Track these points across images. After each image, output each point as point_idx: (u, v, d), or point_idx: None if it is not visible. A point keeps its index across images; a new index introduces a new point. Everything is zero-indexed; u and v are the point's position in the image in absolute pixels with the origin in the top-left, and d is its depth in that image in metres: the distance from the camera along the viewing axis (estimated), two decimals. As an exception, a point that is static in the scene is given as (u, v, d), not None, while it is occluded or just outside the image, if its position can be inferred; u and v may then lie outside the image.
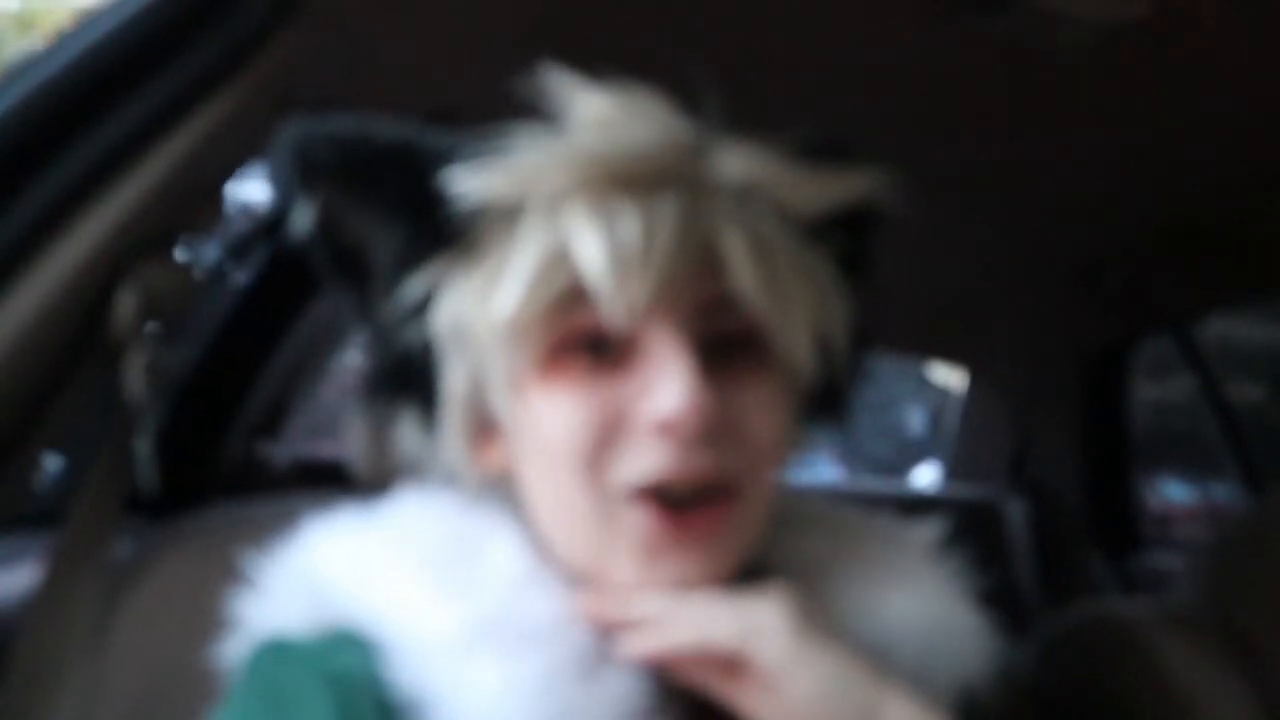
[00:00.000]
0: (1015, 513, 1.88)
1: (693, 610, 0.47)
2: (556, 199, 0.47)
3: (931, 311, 1.70)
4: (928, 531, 0.58)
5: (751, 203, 0.50)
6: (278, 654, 0.49)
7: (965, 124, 1.03)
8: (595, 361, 0.48)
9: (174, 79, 0.69)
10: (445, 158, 0.50)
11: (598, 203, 0.47)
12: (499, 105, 0.50)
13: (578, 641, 0.46)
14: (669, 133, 0.49)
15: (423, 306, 0.51)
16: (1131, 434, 1.84)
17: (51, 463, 0.97)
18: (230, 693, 0.49)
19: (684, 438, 0.46)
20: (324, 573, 0.50)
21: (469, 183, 0.49)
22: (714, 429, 0.46)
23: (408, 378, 0.53)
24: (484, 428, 0.52)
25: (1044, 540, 1.84)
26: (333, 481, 0.69)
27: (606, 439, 0.47)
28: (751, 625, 0.46)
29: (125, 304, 0.69)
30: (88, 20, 0.69)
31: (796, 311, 0.50)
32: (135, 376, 0.71)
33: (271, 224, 1.23)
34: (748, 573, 0.51)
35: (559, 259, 0.46)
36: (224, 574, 0.53)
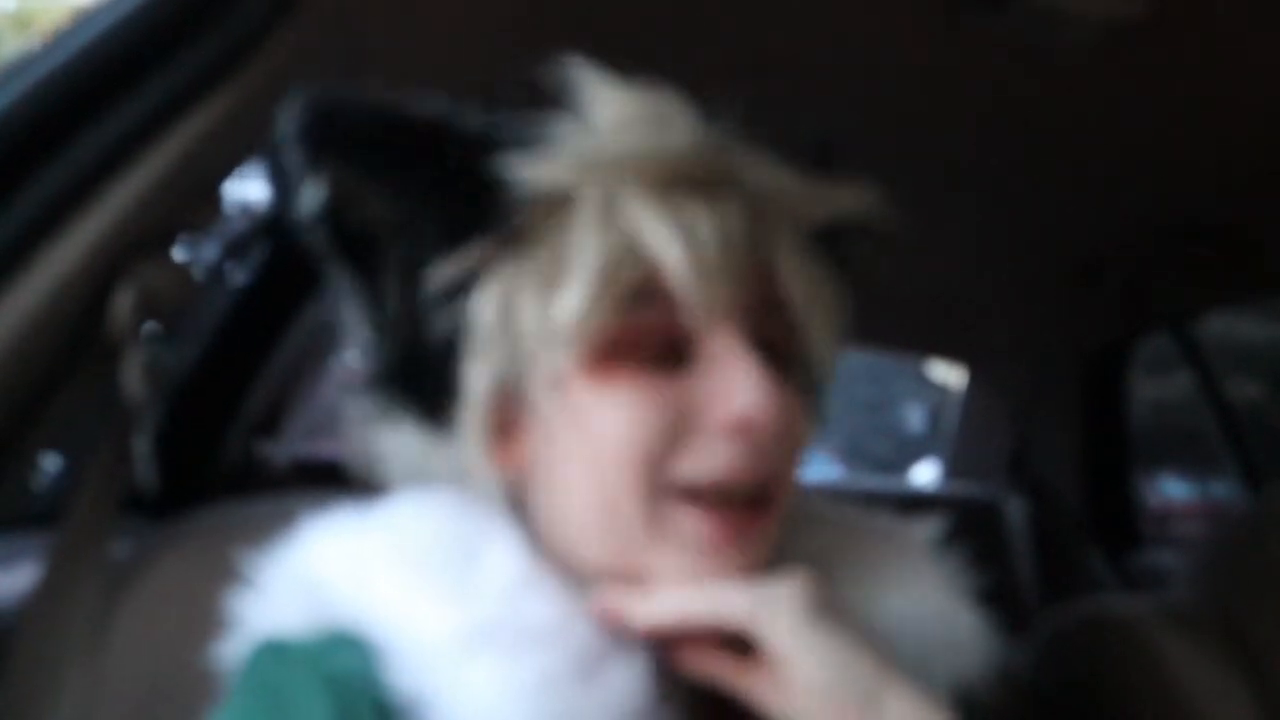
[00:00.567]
0: (1014, 511, 1.89)
1: (709, 588, 0.47)
2: (613, 194, 0.47)
3: (931, 309, 1.70)
4: (928, 530, 0.58)
5: (771, 209, 0.51)
6: (276, 654, 0.48)
7: (965, 123, 1.03)
8: (657, 360, 0.48)
9: (172, 77, 0.68)
10: (487, 141, 0.49)
11: (666, 201, 0.46)
12: (499, 104, 0.50)
13: (577, 643, 0.46)
14: (708, 135, 0.49)
15: (447, 297, 0.49)
16: (1131, 432, 1.84)
17: (50, 462, 0.97)
18: (229, 693, 0.49)
19: (754, 439, 0.47)
20: (322, 573, 0.50)
21: (522, 170, 0.47)
22: (776, 432, 0.47)
23: (420, 372, 0.51)
24: (504, 426, 0.51)
25: (1043, 538, 1.84)
26: (331, 481, 0.69)
27: (671, 438, 0.47)
28: (764, 603, 0.46)
29: (123, 303, 0.69)
30: (85, 18, 0.68)
31: (829, 317, 0.51)
32: (134, 376, 0.71)
33: (271, 223, 1.23)
34: None
35: (627, 256, 0.46)
36: (223, 574, 0.53)
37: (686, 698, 0.50)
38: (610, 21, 0.85)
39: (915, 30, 0.85)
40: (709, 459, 0.47)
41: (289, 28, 0.73)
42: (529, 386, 0.49)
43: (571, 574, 0.49)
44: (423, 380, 0.51)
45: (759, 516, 0.49)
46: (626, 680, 0.46)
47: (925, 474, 2.70)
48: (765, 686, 0.46)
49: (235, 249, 1.23)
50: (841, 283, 0.54)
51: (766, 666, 0.46)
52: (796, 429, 0.50)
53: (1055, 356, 1.80)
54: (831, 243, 0.55)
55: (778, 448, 0.49)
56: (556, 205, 0.48)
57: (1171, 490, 5.00)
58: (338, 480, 0.61)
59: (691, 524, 0.47)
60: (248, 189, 1.19)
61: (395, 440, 0.54)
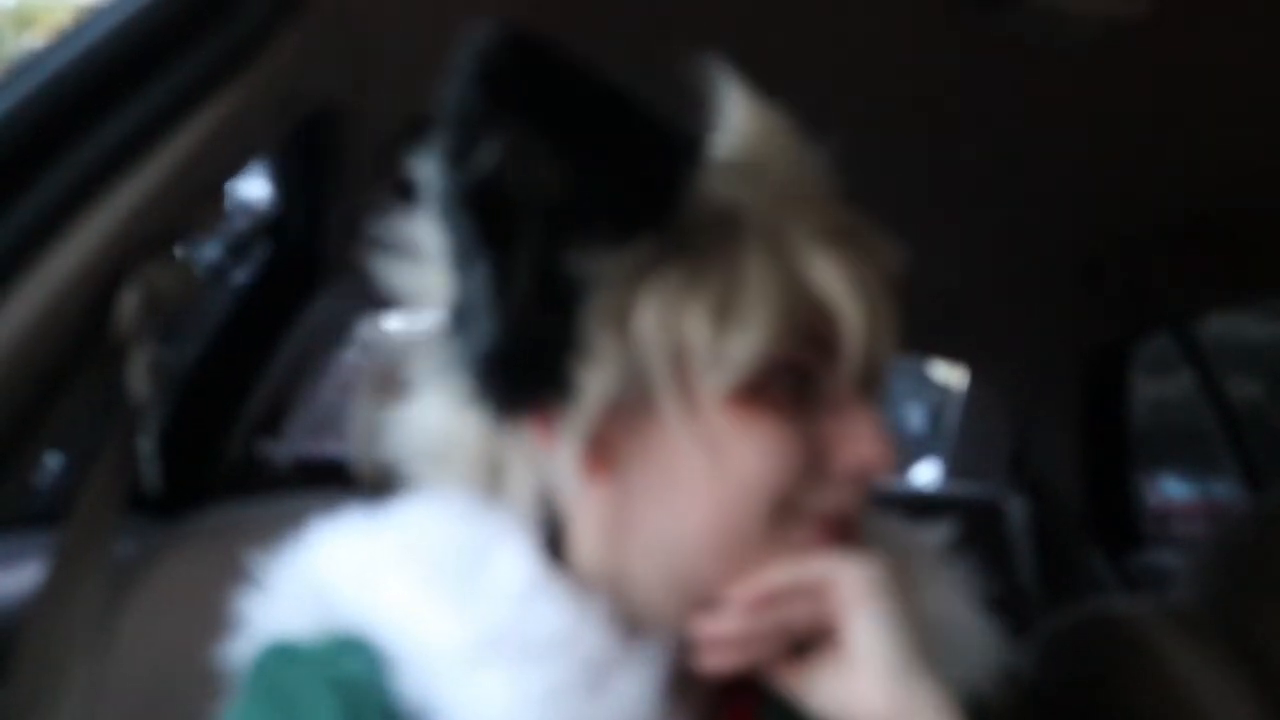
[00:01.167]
0: (1015, 510, 1.89)
1: (793, 560, 0.49)
2: (778, 224, 0.47)
3: (932, 309, 1.70)
4: (938, 535, 0.59)
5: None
6: (284, 657, 0.48)
7: (965, 122, 1.03)
8: (791, 396, 0.48)
9: (176, 78, 0.69)
10: (675, 136, 0.47)
11: (836, 248, 0.47)
12: None
13: (585, 652, 0.46)
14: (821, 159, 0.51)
15: (587, 289, 0.45)
16: (1131, 432, 1.85)
17: (54, 462, 0.97)
18: (236, 694, 0.49)
19: (870, 481, 0.49)
20: (329, 577, 0.50)
21: (703, 178, 0.47)
22: None
23: (528, 364, 0.46)
24: (602, 436, 0.48)
25: (1044, 538, 1.84)
26: (334, 480, 0.69)
27: (804, 475, 0.48)
28: (839, 568, 0.48)
29: (128, 303, 0.69)
30: (89, 18, 0.68)
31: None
32: (138, 375, 0.71)
33: (272, 223, 1.23)
34: None
35: (798, 291, 0.47)
36: (227, 574, 0.53)
37: (695, 709, 0.51)
38: (610, 21, 0.85)
39: (915, 30, 0.85)
40: (834, 495, 0.49)
41: (293, 28, 0.73)
42: (657, 403, 0.47)
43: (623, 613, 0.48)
44: (525, 372, 0.46)
45: (854, 535, 0.51)
46: (636, 689, 0.46)
47: (925, 474, 2.69)
48: (819, 674, 0.48)
49: (237, 249, 1.23)
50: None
51: (827, 650, 0.48)
52: None
53: (1056, 356, 1.80)
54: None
55: None
56: (724, 223, 0.47)
57: (1172, 490, 5.00)
58: (341, 479, 0.61)
59: (804, 537, 0.49)
60: (249, 188, 1.19)
61: (422, 419, 0.52)
